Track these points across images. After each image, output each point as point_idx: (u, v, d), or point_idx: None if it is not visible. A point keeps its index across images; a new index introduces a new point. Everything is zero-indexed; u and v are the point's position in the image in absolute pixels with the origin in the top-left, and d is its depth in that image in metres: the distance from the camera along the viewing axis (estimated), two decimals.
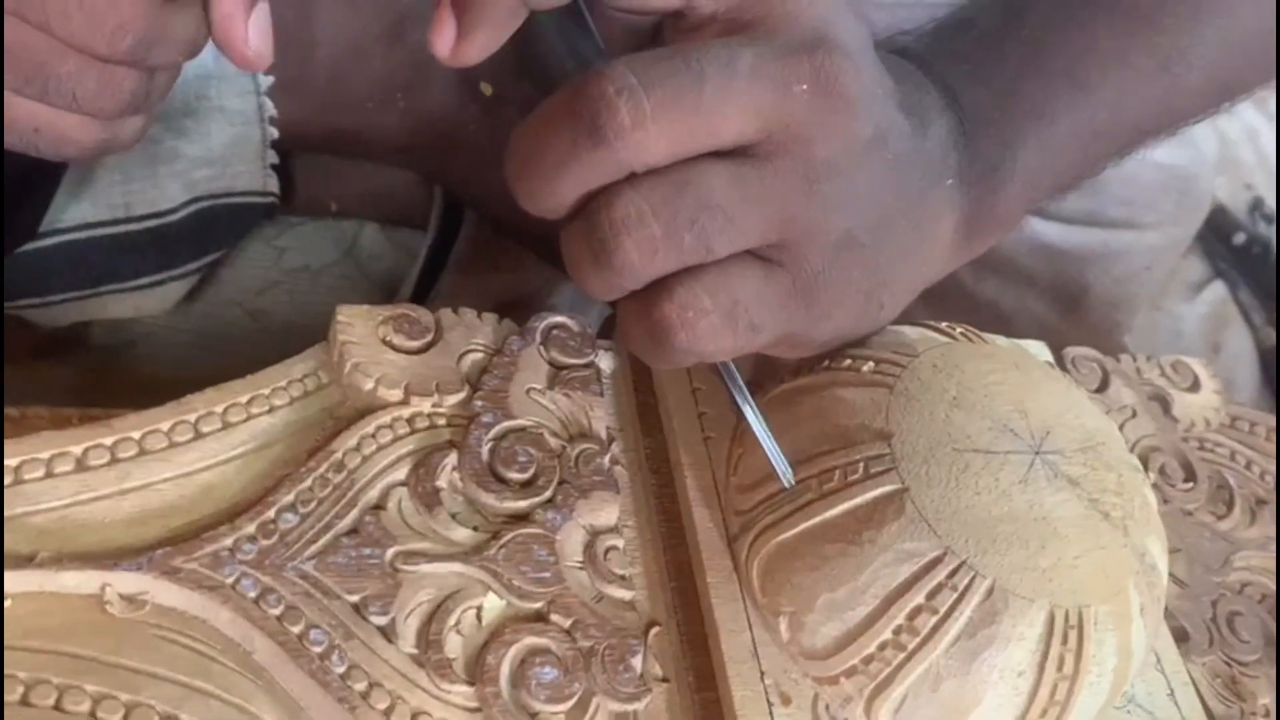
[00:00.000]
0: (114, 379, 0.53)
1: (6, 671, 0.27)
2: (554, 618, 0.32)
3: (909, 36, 0.38)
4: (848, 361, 0.34)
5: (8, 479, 0.30)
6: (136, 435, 0.32)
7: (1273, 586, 0.41)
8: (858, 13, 0.32)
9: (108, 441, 0.32)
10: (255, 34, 0.32)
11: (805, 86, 0.29)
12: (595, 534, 0.34)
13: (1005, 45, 0.36)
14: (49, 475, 0.31)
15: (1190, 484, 0.43)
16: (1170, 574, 0.35)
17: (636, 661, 0.32)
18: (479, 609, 0.32)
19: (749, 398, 0.33)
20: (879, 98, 0.31)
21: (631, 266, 0.29)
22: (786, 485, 0.32)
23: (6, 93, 0.31)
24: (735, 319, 0.30)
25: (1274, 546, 0.42)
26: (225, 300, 0.55)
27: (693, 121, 0.28)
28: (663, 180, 0.29)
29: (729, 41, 0.29)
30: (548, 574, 0.33)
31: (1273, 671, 0.38)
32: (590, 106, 0.27)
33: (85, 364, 0.53)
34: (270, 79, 0.49)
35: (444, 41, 0.30)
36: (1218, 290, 0.75)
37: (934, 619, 0.30)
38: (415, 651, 0.31)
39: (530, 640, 0.31)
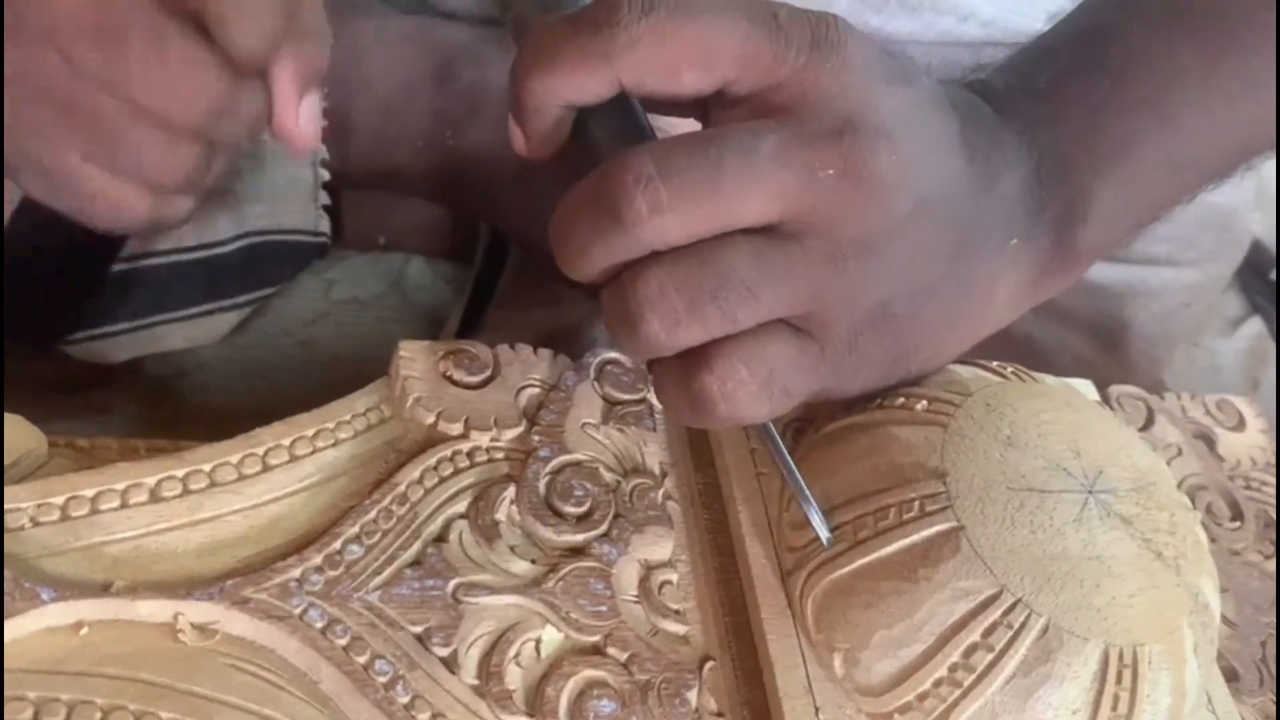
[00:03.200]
0: (168, 408, 0.54)
1: (84, 697, 0.28)
2: (611, 651, 0.33)
3: (988, 70, 0.37)
4: (901, 400, 0.34)
5: (84, 509, 0.31)
6: (207, 467, 0.33)
7: None
8: (905, 72, 0.31)
9: (179, 473, 0.33)
10: (305, 118, 0.35)
11: (832, 171, 0.29)
12: (650, 568, 0.35)
13: (1087, 80, 0.35)
14: (124, 506, 0.32)
15: (1237, 523, 0.43)
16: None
17: (692, 696, 0.32)
18: (538, 641, 0.32)
19: (788, 459, 0.33)
20: (927, 167, 0.31)
21: (658, 338, 0.30)
22: (825, 543, 0.33)
23: (74, 158, 0.33)
24: (771, 387, 0.31)
25: None
26: (275, 331, 0.56)
27: (710, 208, 0.29)
28: (686, 256, 0.29)
29: (756, 126, 0.29)
30: (604, 608, 0.33)
31: None
32: (611, 194, 0.29)
33: (139, 394, 0.54)
34: (323, 120, 0.50)
35: (519, 145, 0.32)
36: (1255, 326, 0.75)
37: (989, 656, 0.30)
38: (477, 682, 0.31)
39: (588, 673, 0.32)
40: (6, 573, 0.29)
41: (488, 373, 0.37)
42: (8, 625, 0.28)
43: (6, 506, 0.30)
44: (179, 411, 0.54)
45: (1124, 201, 0.35)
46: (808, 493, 0.33)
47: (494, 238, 0.60)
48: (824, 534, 0.33)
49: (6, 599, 0.29)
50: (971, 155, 0.32)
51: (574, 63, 0.30)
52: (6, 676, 0.28)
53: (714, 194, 0.29)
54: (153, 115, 0.32)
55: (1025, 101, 0.35)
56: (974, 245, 0.33)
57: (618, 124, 0.31)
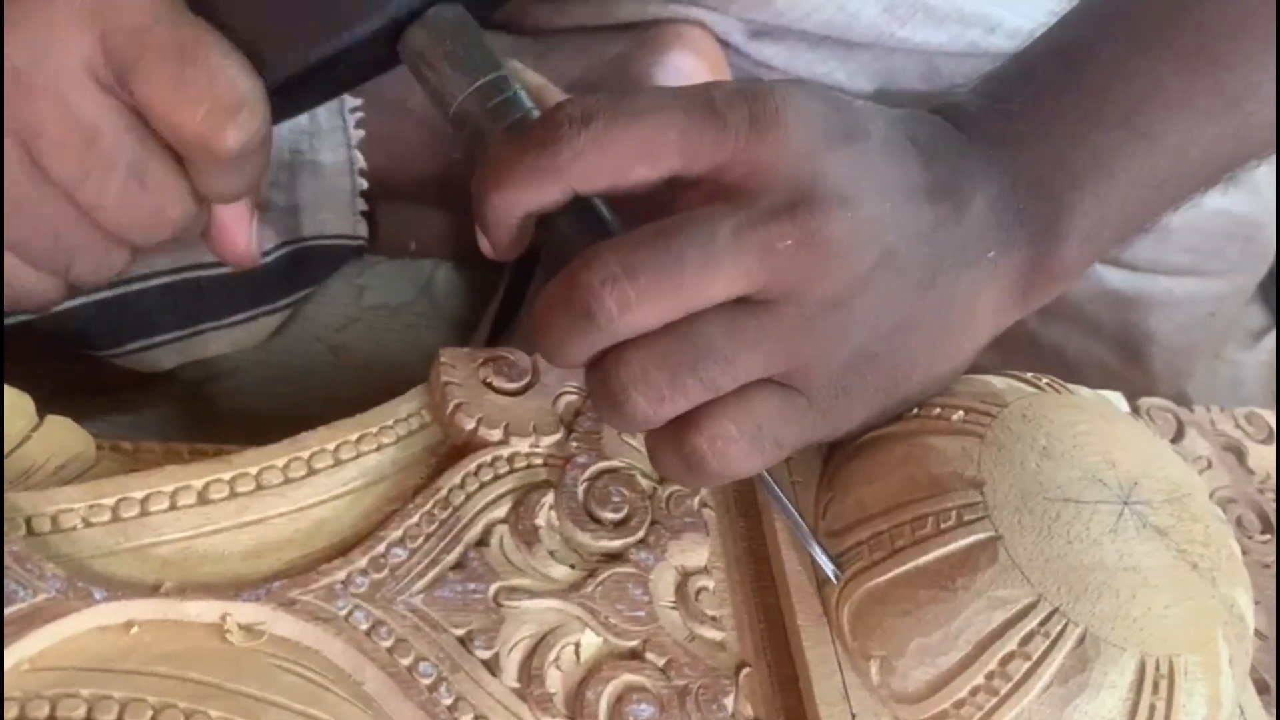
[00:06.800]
0: (201, 412, 0.54)
1: (136, 695, 0.29)
2: (649, 656, 0.33)
3: (964, 89, 0.38)
4: (937, 410, 0.35)
5: (134, 510, 0.32)
6: (253, 471, 0.33)
7: None
8: (852, 127, 0.32)
9: (226, 476, 0.33)
10: (253, 240, 0.36)
11: (790, 243, 0.30)
12: (686, 575, 0.35)
13: (1063, 98, 0.36)
14: (172, 508, 0.32)
15: (1268, 536, 0.43)
16: None
17: (729, 701, 0.33)
18: (577, 645, 0.33)
19: (788, 504, 0.34)
20: (886, 218, 0.32)
21: (645, 414, 0.31)
22: (834, 581, 0.34)
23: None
24: (761, 441, 0.32)
25: None
26: (308, 336, 0.57)
27: (677, 297, 0.30)
28: (663, 335, 0.31)
29: (710, 212, 0.31)
30: (642, 613, 0.34)
31: None
32: (581, 296, 0.30)
33: (172, 397, 0.55)
34: (361, 133, 0.51)
35: (486, 251, 0.34)
36: None
37: (1026, 665, 0.31)
38: (518, 685, 0.32)
39: (627, 678, 0.32)
40: (60, 571, 0.29)
41: (527, 380, 0.38)
42: (62, 624, 0.29)
43: (60, 507, 0.31)
44: (212, 415, 0.54)
45: (1104, 216, 0.35)
46: (810, 534, 0.34)
47: None
48: (830, 570, 0.34)
49: (60, 597, 0.29)
50: (933, 189, 0.33)
51: (526, 179, 0.31)
52: (60, 674, 0.29)
53: (679, 285, 0.30)
54: (109, 233, 0.33)
55: (998, 122, 0.35)
56: (947, 271, 0.33)
57: (580, 218, 0.32)
